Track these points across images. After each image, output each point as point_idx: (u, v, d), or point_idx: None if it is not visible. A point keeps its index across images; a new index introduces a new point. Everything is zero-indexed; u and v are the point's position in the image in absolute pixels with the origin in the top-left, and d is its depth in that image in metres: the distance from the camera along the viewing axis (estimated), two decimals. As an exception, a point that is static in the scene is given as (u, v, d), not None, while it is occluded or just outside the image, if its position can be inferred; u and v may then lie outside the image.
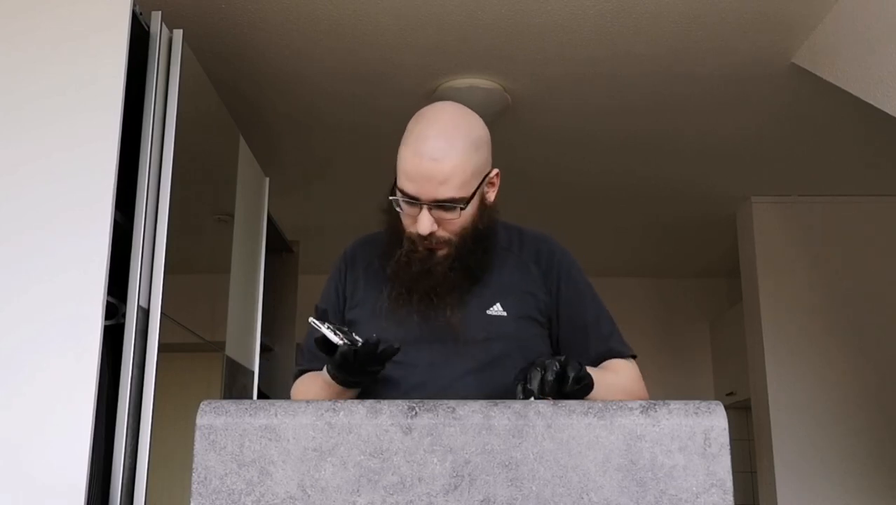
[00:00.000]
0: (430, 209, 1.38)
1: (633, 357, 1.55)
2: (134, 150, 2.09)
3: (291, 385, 1.59)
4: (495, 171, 1.49)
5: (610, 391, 1.39)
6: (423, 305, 1.43)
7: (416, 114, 1.47)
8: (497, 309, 1.45)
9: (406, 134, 1.43)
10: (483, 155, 1.43)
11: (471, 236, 1.43)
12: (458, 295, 1.43)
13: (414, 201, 1.39)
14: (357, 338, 1.33)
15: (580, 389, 1.28)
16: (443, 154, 1.37)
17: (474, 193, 1.41)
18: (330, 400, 1.41)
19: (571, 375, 1.25)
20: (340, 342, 1.30)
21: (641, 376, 1.52)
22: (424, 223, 1.39)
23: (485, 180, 1.44)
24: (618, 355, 1.52)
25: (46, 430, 1.85)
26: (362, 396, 1.42)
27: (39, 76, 2.05)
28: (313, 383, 1.50)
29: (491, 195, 1.49)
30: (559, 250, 1.56)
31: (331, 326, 1.32)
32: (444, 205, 1.38)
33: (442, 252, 1.43)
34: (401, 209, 1.43)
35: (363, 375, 1.36)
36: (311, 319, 1.33)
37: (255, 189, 3.05)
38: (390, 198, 1.44)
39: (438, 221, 1.40)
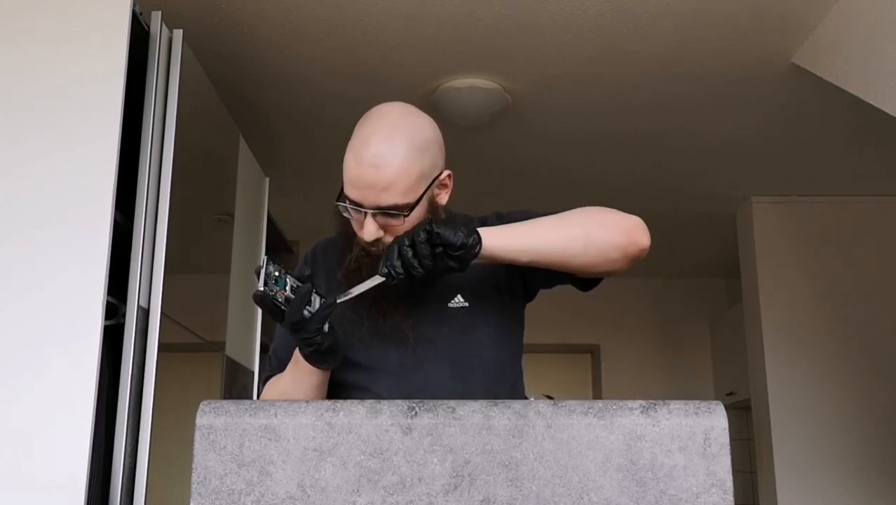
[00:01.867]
0: (374, 216, 1.34)
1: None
2: (134, 150, 2.09)
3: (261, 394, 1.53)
4: (447, 172, 1.42)
5: (541, 225, 1.44)
6: (375, 309, 1.40)
7: (363, 116, 1.40)
8: (458, 300, 1.42)
9: (351, 137, 1.38)
10: (430, 157, 1.37)
11: None
12: (416, 294, 1.39)
13: (359, 208, 1.35)
14: (292, 296, 1.26)
15: (455, 244, 1.26)
16: (384, 160, 1.31)
17: (421, 198, 1.35)
18: (294, 378, 1.39)
19: (415, 238, 1.26)
20: (261, 288, 1.23)
21: (615, 210, 1.45)
22: (369, 230, 1.34)
23: (434, 183, 1.39)
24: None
25: (47, 429, 1.85)
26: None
27: (39, 76, 2.05)
28: (282, 375, 1.46)
29: (443, 197, 1.44)
30: (507, 211, 1.52)
31: (274, 276, 1.24)
32: (388, 211, 1.33)
33: None
34: (349, 215, 1.39)
35: (298, 339, 1.32)
36: (264, 256, 1.25)
37: (255, 189, 3.05)
38: (336, 203, 1.39)
39: (384, 227, 1.35)
